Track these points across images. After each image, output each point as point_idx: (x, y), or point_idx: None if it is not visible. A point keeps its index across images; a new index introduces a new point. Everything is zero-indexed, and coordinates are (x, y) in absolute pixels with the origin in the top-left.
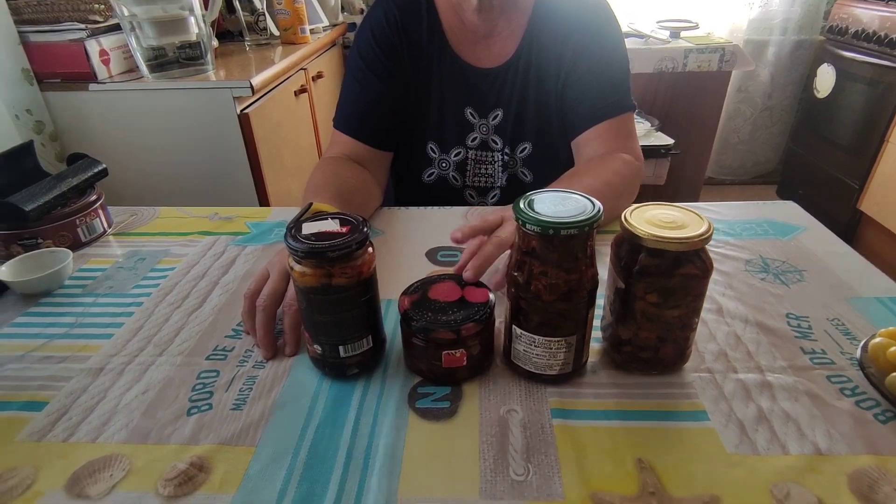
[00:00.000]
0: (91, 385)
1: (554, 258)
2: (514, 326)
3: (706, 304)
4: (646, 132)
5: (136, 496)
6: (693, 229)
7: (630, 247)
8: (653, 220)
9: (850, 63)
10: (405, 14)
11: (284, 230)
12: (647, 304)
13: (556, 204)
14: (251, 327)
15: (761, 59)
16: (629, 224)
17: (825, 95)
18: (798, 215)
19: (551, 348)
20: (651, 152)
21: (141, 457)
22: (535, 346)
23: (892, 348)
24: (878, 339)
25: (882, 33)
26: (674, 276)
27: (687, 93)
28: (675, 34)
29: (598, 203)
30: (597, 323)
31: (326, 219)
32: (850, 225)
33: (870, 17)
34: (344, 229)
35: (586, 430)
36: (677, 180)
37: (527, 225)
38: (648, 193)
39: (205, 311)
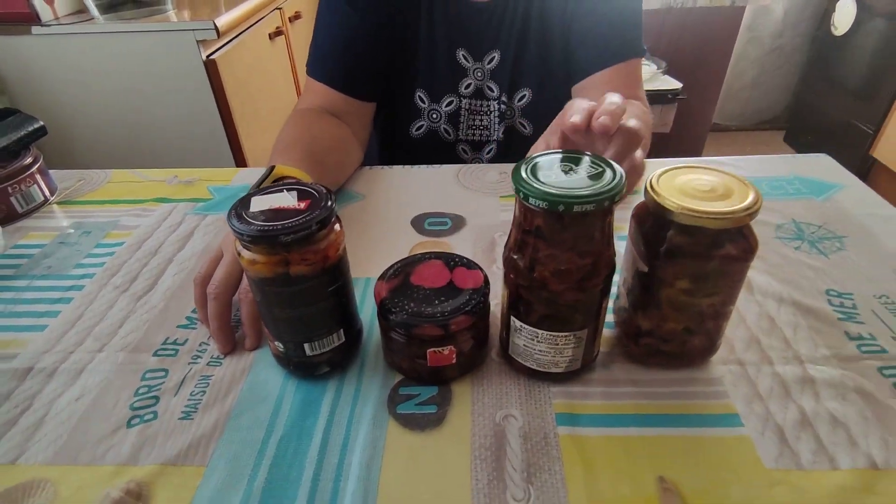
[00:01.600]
0: (15, 391)
1: (564, 239)
2: (512, 318)
3: None
4: (652, 75)
5: None
6: (737, 200)
7: (656, 221)
8: (685, 187)
9: None
10: None
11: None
12: (677, 292)
13: (566, 171)
14: (204, 317)
15: None
16: (656, 194)
17: (843, 32)
18: (834, 171)
19: (557, 344)
20: (657, 97)
21: (69, 482)
22: (538, 342)
23: None
24: None
25: None
26: (711, 258)
27: (696, 31)
28: None
29: (619, 169)
30: (610, 305)
31: (282, 191)
32: (860, 172)
33: None
34: (302, 204)
35: (598, 441)
36: (682, 127)
37: (530, 199)
38: (653, 142)
39: (156, 295)
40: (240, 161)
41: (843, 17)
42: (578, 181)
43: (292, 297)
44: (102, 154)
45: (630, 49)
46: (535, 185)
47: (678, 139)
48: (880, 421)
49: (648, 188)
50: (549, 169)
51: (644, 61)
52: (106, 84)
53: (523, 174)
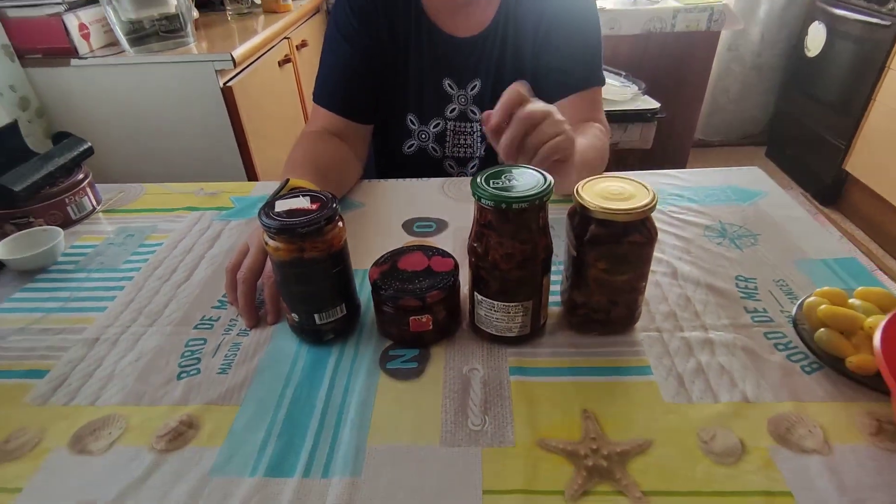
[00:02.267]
0: (88, 354)
1: (509, 230)
2: (475, 293)
3: (662, 268)
4: (632, 96)
5: (133, 451)
6: (639, 200)
7: (581, 218)
8: (603, 192)
9: (841, 21)
10: None
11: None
12: (598, 271)
13: (511, 179)
14: (234, 299)
15: (752, 17)
16: (580, 197)
17: (815, 54)
18: (760, 180)
19: (510, 312)
20: (637, 116)
21: (136, 417)
22: (495, 311)
23: (823, 306)
24: (812, 298)
25: None
26: (621, 244)
27: (675, 54)
28: None
29: (549, 177)
30: (557, 288)
31: (298, 196)
32: (835, 185)
33: None
34: (314, 206)
35: (540, 385)
36: (665, 143)
37: (482, 199)
38: (636, 157)
39: (192, 283)
40: (251, 174)
41: (815, 40)
42: (519, 187)
43: (306, 276)
44: (134, 169)
45: (590, 80)
46: (486, 189)
47: (662, 155)
48: (757, 370)
49: (575, 193)
50: (497, 179)
51: (624, 83)
52: (136, 108)
53: (479, 182)
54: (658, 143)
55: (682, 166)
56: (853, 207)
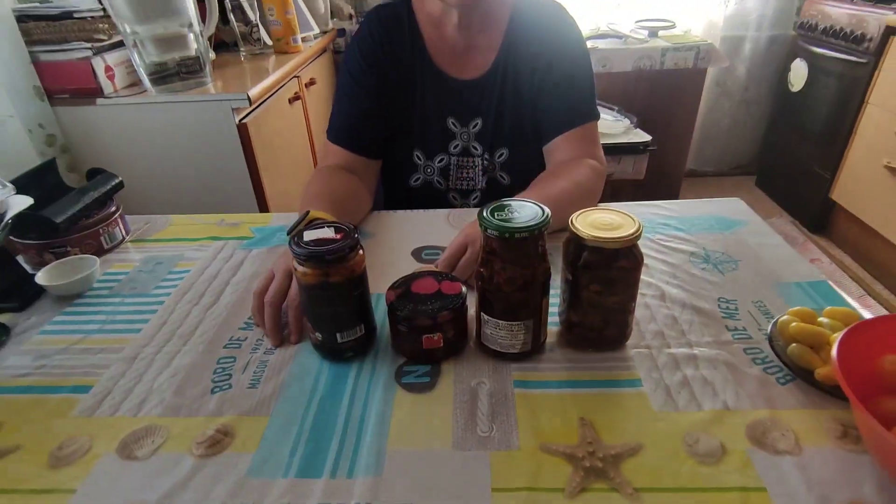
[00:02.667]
0: (127, 371)
1: (511, 256)
2: (482, 313)
3: (651, 291)
4: (625, 129)
5: (175, 456)
6: (626, 230)
7: (576, 245)
8: (594, 222)
9: (821, 58)
10: (389, 31)
11: (286, 235)
12: (592, 293)
13: (513, 212)
14: (261, 320)
15: (738, 55)
16: (574, 227)
17: (798, 89)
18: (742, 211)
19: (513, 330)
20: (630, 149)
21: (176, 426)
22: (500, 329)
23: (794, 324)
24: (785, 317)
25: (849, 30)
26: (611, 268)
27: (665, 90)
28: (653, 33)
29: (547, 210)
30: (556, 309)
31: (323, 227)
32: (823, 213)
33: (838, 13)
34: (338, 236)
35: (541, 396)
36: (658, 174)
37: (488, 230)
38: (629, 187)
39: (219, 307)
40: (262, 204)
41: (798, 77)
42: (520, 218)
43: (329, 299)
44: (153, 201)
45: (585, 116)
46: (491, 221)
47: (655, 185)
48: (737, 381)
49: (570, 224)
50: (500, 211)
51: (617, 117)
52: (157, 144)
53: (485, 215)
54: (651, 173)
55: (676, 196)
56: (841, 235)
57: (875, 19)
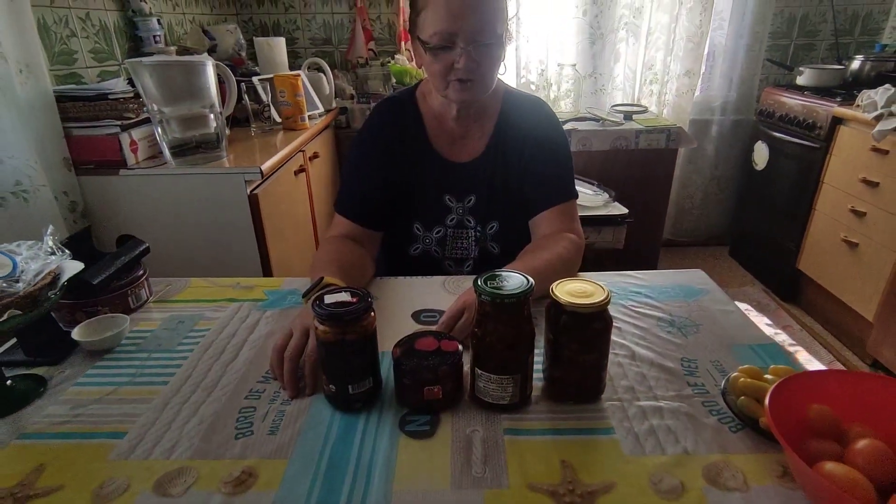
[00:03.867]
0: (158, 419)
1: (502, 318)
2: (476, 368)
3: (623, 351)
4: (604, 203)
5: (205, 494)
6: (597, 297)
7: (556, 310)
8: (571, 291)
9: (780, 142)
10: (396, 119)
11: (302, 298)
12: (571, 352)
13: (503, 281)
14: (279, 374)
15: (706, 136)
16: (554, 294)
17: (762, 168)
18: (704, 281)
19: (502, 384)
20: (609, 220)
21: (205, 468)
22: (491, 383)
23: (742, 379)
24: (735, 374)
25: (802, 118)
26: (587, 330)
27: (640, 167)
28: (627, 117)
29: (531, 280)
30: (539, 366)
31: (341, 291)
32: (792, 282)
33: (791, 103)
34: (354, 299)
35: (528, 443)
36: (637, 243)
37: (482, 296)
38: (611, 255)
39: (238, 362)
40: (266, 268)
41: (760, 157)
42: (508, 286)
43: (345, 354)
44: (171, 265)
45: (565, 195)
46: (485, 288)
47: (635, 254)
48: (695, 430)
49: (550, 292)
50: (493, 280)
51: (597, 191)
52: (174, 211)
53: (479, 283)
54: (630, 243)
55: (654, 263)
56: (810, 302)
57: (824, 110)
